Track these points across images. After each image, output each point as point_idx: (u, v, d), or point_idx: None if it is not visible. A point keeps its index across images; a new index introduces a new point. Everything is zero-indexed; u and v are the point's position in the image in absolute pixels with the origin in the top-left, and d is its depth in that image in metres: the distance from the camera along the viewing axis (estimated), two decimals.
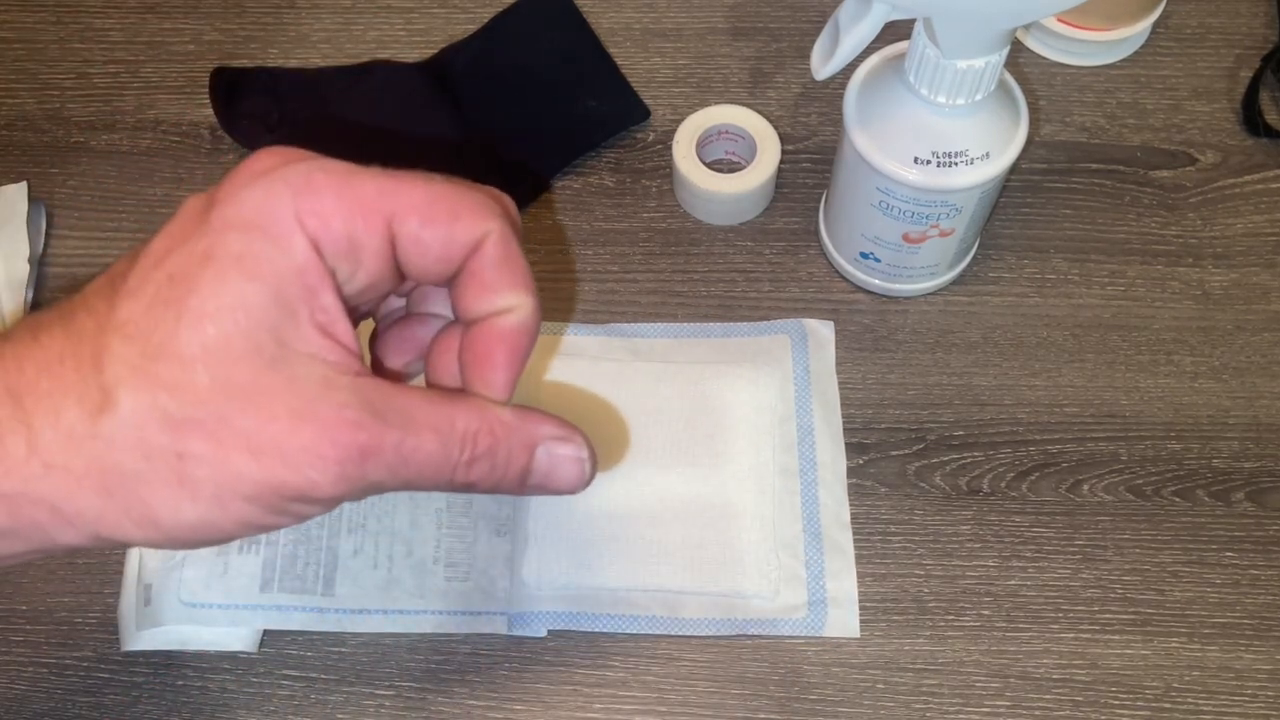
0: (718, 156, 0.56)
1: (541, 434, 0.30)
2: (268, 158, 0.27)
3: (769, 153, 0.53)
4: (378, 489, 0.28)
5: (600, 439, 0.49)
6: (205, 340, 0.25)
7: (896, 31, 0.41)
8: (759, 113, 0.54)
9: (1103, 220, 0.55)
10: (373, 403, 0.27)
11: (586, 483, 0.32)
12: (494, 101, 0.57)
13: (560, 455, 0.31)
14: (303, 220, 0.26)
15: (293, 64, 0.59)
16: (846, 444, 0.50)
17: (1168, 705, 0.45)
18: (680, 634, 0.46)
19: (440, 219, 0.28)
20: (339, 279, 0.28)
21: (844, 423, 0.50)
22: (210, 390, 0.26)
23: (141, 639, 0.44)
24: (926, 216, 0.46)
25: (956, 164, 0.43)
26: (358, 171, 0.28)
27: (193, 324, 0.25)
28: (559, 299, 0.53)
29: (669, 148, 0.54)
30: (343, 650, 0.46)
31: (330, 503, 0.27)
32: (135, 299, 0.26)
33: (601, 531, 0.47)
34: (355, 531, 0.46)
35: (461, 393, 0.30)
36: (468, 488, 0.30)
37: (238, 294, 0.26)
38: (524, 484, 0.31)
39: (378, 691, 0.46)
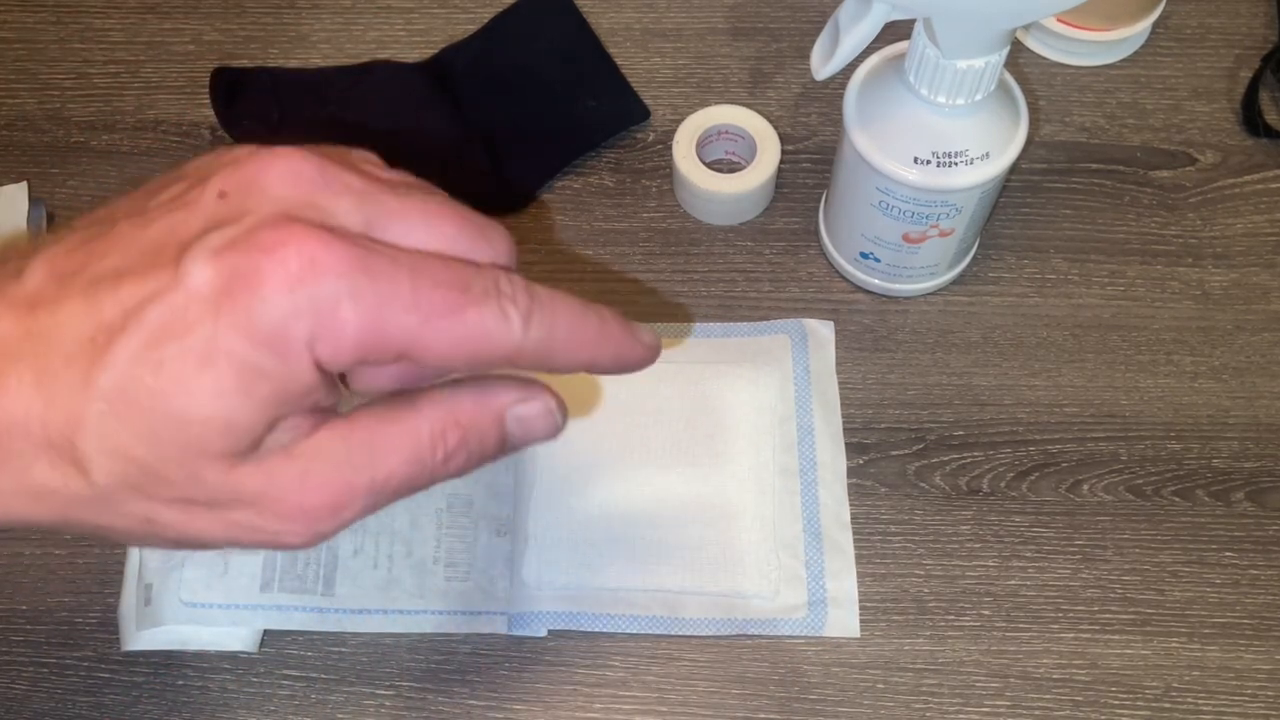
0: (718, 156, 0.56)
1: (504, 402, 0.30)
2: (295, 257, 0.25)
3: (769, 153, 0.53)
4: (367, 515, 0.28)
5: (601, 439, 0.49)
6: (185, 441, 0.25)
7: (896, 31, 0.41)
8: (759, 113, 0.54)
9: (1102, 220, 0.55)
10: (334, 454, 0.27)
11: (561, 429, 0.31)
12: (494, 101, 0.57)
13: (528, 415, 0.30)
14: (315, 349, 0.25)
15: (293, 64, 0.59)
16: (846, 444, 0.50)
17: (1167, 705, 0.45)
18: (680, 634, 0.46)
19: (461, 364, 0.27)
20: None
21: (844, 423, 0.50)
22: (182, 483, 0.26)
23: (142, 639, 0.44)
24: (926, 216, 0.46)
25: (956, 164, 0.43)
26: (387, 302, 0.26)
27: (175, 426, 0.25)
28: None
29: (669, 148, 0.54)
30: (343, 650, 0.46)
31: (312, 546, 0.28)
32: (113, 368, 0.25)
33: (601, 531, 0.47)
34: (355, 531, 0.46)
35: (416, 393, 0.29)
36: (451, 478, 0.29)
37: (230, 409, 0.25)
38: (503, 453, 0.30)
39: (378, 691, 0.46)
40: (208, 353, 0.25)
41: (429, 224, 0.28)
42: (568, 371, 0.29)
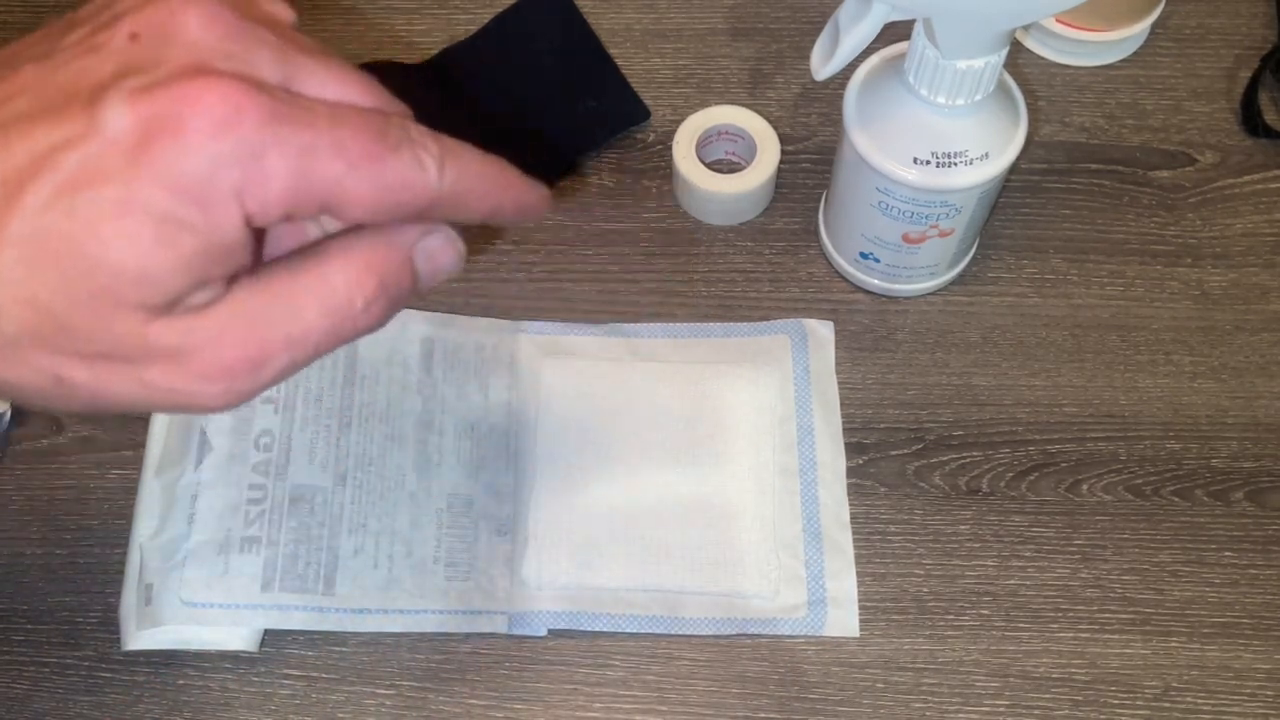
0: (718, 157, 0.56)
1: (409, 239, 0.29)
2: (217, 104, 0.24)
3: (769, 153, 0.53)
4: (285, 378, 0.27)
5: (601, 439, 0.49)
6: (98, 289, 0.24)
7: (896, 32, 0.41)
8: (759, 113, 0.54)
9: (1102, 220, 0.55)
10: (250, 310, 0.26)
11: (463, 257, 0.31)
12: (494, 102, 0.57)
13: (433, 247, 0.30)
14: (243, 200, 0.25)
15: None
16: (846, 444, 0.50)
17: (1167, 705, 0.45)
18: (680, 634, 0.46)
19: (384, 212, 0.27)
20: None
21: (844, 423, 0.50)
22: (93, 335, 0.25)
23: (142, 638, 0.44)
24: (926, 217, 0.46)
25: (956, 164, 0.44)
26: (311, 150, 0.25)
27: (88, 273, 0.24)
28: (559, 299, 0.53)
29: (669, 148, 0.54)
30: (343, 650, 0.46)
31: (224, 411, 0.27)
32: (24, 214, 0.24)
33: (601, 531, 0.47)
34: (356, 531, 0.46)
35: (321, 244, 0.28)
36: (374, 328, 0.29)
37: (145, 260, 0.24)
38: (415, 294, 0.30)
39: (378, 691, 0.46)
40: (125, 202, 0.24)
41: (340, 83, 0.27)
42: (472, 220, 0.29)
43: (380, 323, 0.29)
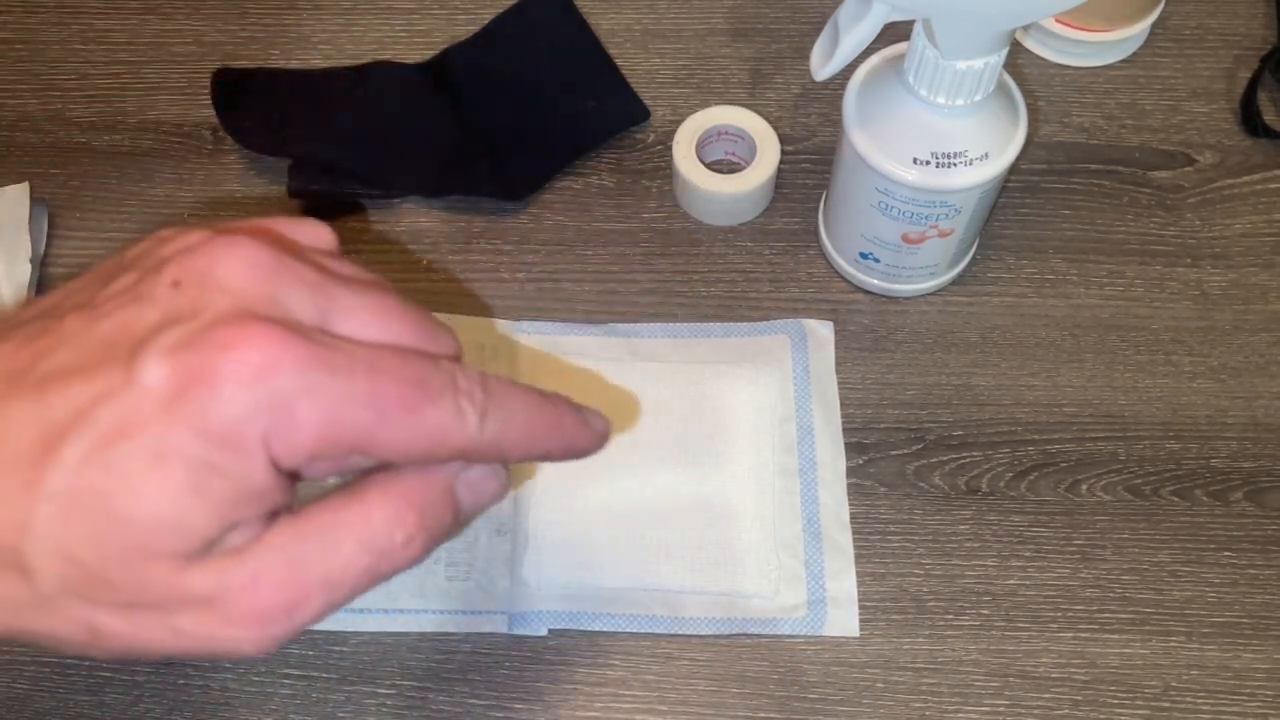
0: (717, 157, 0.56)
1: (450, 471, 0.29)
2: (252, 353, 0.24)
3: (769, 153, 0.53)
4: (323, 618, 0.27)
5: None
6: (130, 542, 0.24)
7: (896, 32, 0.41)
8: (759, 113, 0.54)
9: (1101, 221, 0.55)
10: (286, 552, 0.26)
11: (507, 486, 0.31)
12: (494, 102, 0.57)
13: (475, 479, 0.29)
14: (270, 446, 0.25)
15: (294, 65, 0.59)
16: (846, 444, 0.50)
17: (1166, 704, 0.45)
18: (680, 633, 0.46)
19: (417, 458, 0.27)
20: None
21: (843, 423, 0.50)
22: (126, 586, 0.25)
23: None
24: (925, 217, 0.46)
25: (955, 164, 0.44)
26: (344, 401, 0.25)
27: (122, 527, 0.24)
28: (559, 299, 0.53)
29: (669, 148, 0.54)
30: (344, 649, 0.46)
31: (266, 654, 0.27)
32: (62, 469, 0.24)
33: (601, 531, 0.48)
34: None
35: (358, 481, 0.28)
36: (414, 564, 0.28)
37: (180, 509, 0.24)
38: (458, 526, 0.30)
39: (379, 690, 0.46)
40: (159, 452, 0.24)
41: (382, 320, 0.27)
42: (518, 462, 0.29)
43: (420, 558, 0.28)
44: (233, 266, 0.26)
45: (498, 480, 0.30)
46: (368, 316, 0.27)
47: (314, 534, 0.26)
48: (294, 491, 0.27)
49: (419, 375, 0.26)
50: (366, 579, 0.27)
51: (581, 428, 0.31)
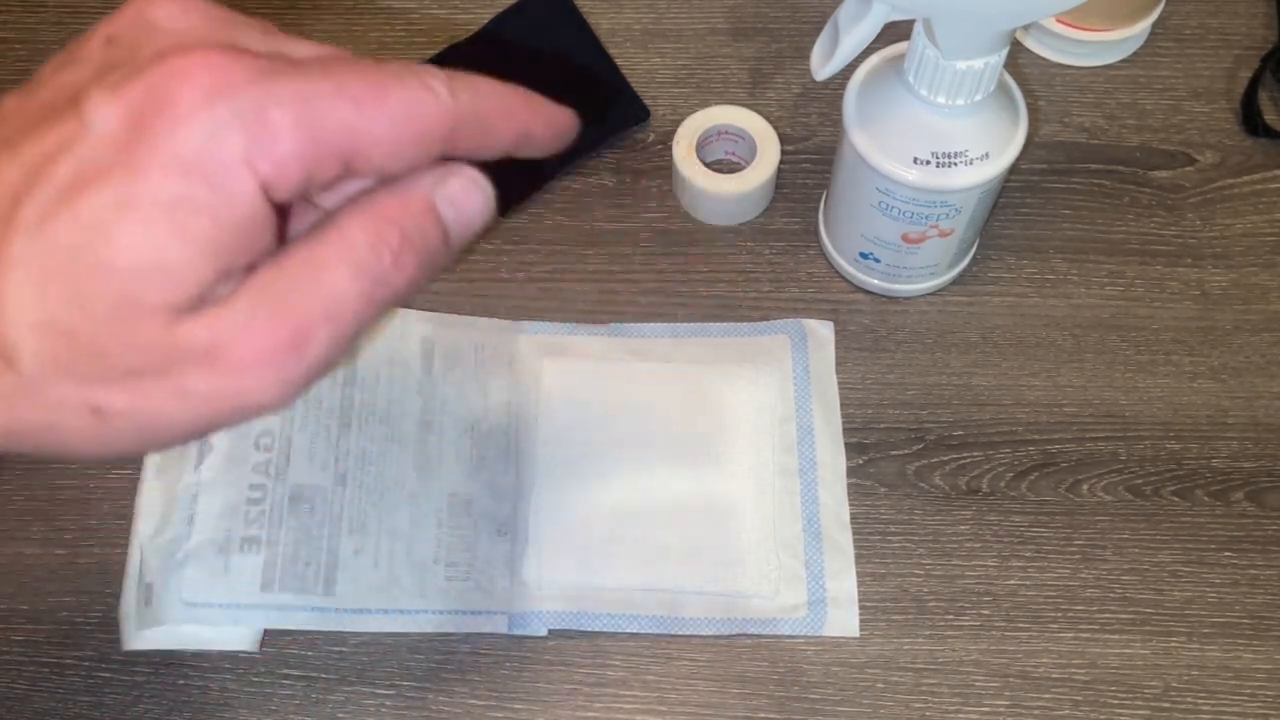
0: (718, 157, 0.56)
1: (426, 186, 0.27)
2: (204, 72, 0.23)
3: (769, 153, 0.53)
4: (331, 361, 0.25)
5: (601, 439, 0.49)
6: (116, 296, 0.23)
7: (896, 32, 0.41)
8: (759, 113, 0.54)
9: (1102, 220, 0.55)
10: (275, 288, 0.24)
11: (492, 200, 0.28)
12: None
13: (455, 193, 0.27)
14: (254, 164, 0.23)
15: None
16: (846, 444, 0.50)
17: (1166, 705, 0.45)
18: (680, 634, 0.46)
19: (407, 148, 0.25)
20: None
21: (844, 423, 0.50)
22: (120, 350, 0.23)
23: (142, 638, 0.44)
24: (926, 217, 0.46)
25: (956, 164, 0.44)
26: (313, 97, 0.24)
27: (104, 280, 0.22)
28: (559, 299, 0.53)
29: (669, 148, 0.54)
30: (343, 650, 0.46)
31: (284, 407, 0.25)
32: (24, 232, 0.22)
33: (601, 531, 0.47)
34: (356, 531, 0.46)
35: (337, 212, 0.26)
36: (414, 288, 0.26)
37: (162, 253, 0.22)
38: (449, 248, 0.27)
39: (378, 691, 0.46)
40: (129, 196, 0.22)
41: (327, 50, 0.26)
42: (505, 149, 0.28)
43: (414, 281, 0.26)
44: (169, 10, 0.24)
45: (480, 192, 0.28)
46: (312, 49, 0.26)
47: (298, 268, 0.25)
48: (280, 239, 0.25)
49: (375, 67, 0.25)
50: (366, 306, 0.25)
51: (553, 106, 0.30)
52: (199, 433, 0.25)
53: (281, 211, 0.25)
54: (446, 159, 0.27)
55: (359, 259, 0.25)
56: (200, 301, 0.23)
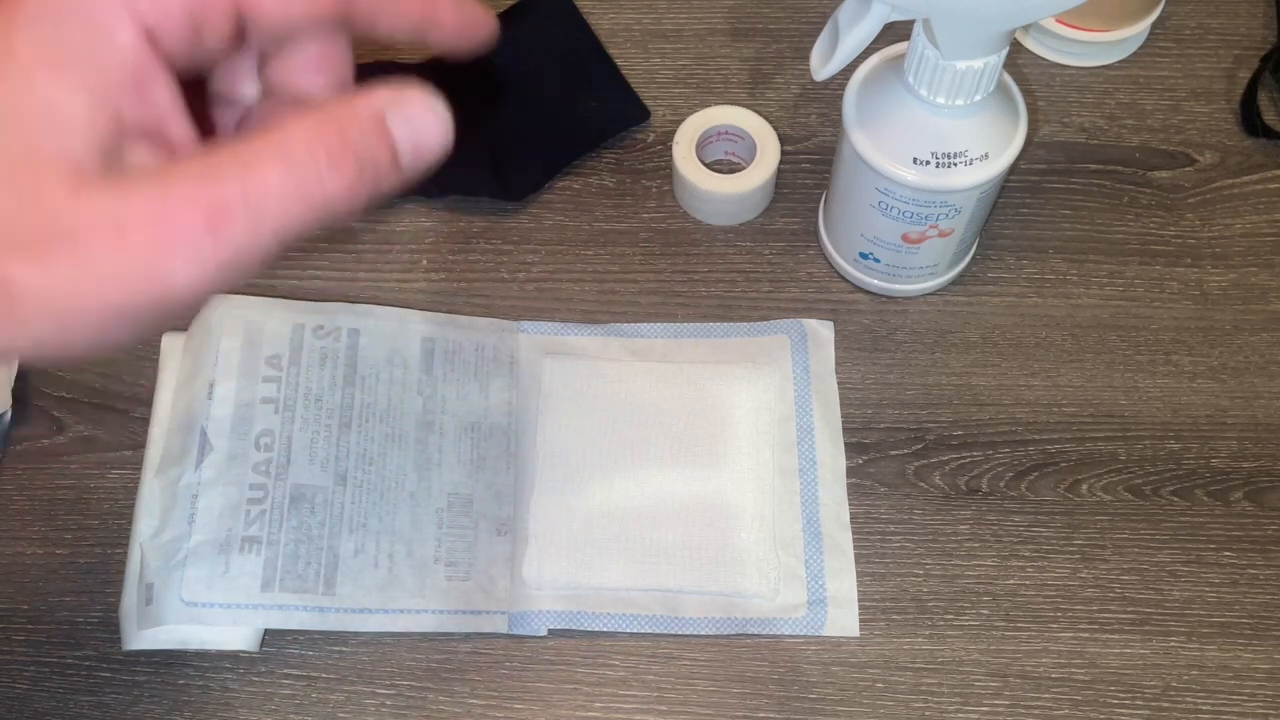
0: (718, 157, 0.56)
1: (378, 101, 0.25)
2: None
3: (769, 153, 0.53)
4: (250, 256, 0.24)
5: (601, 439, 0.49)
6: (14, 156, 0.22)
7: (896, 32, 0.41)
8: (759, 113, 0.54)
9: (1101, 220, 0.55)
10: (196, 168, 0.23)
11: (449, 127, 0.27)
12: (494, 102, 0.57)
13: (410, 114, 0.26)
14: (133, 4, 0.22)
15: None
16: (846, 444, 0.50)
17: (1166, 704, 0.45)
18: (680, 633, 0.46)
19: (295, 3, 0.25)
20: (174, 62, 0.24)
21: (843, 423, 0.50)
22: (25, 213, 0.22)
23: (143, 638, 0.44)
24: (926, 217, 0.46)
25: (956, 164, 0.44)
26: None
27: None
28: (559, 299, 0.53)
29: (669, 148, 0.54)
30: (344, 649, 0.46)
31: (200, 294, 0.24)
32: None
33: (601, 531, 0.48)
34: (356, 531, 0.46)
35: (287, 114, 0.25)
36: (351, 201, 0.25)
37: (46, 102, 0.22)
38: (399, 165, 0.26)
39: (379, 690, 0.46)
40: (5, 45, 0.21)
41: None
42: (408, 26, 0.27)
43: (353, 192, 0.25)
44: None
45: (437, 118, 0.26)
46: None
47: (225, 157, 0.23)
48: (186, 116, 0.24)
49: None
50: (294, 206, 0.24)
51: None
52: (117, 323, 0.23)
53: (199, 93, 0.23)
54: (382, 70, 0.26)
55: (291, 155, 0.24)
56: (106, 168, 0.23)
